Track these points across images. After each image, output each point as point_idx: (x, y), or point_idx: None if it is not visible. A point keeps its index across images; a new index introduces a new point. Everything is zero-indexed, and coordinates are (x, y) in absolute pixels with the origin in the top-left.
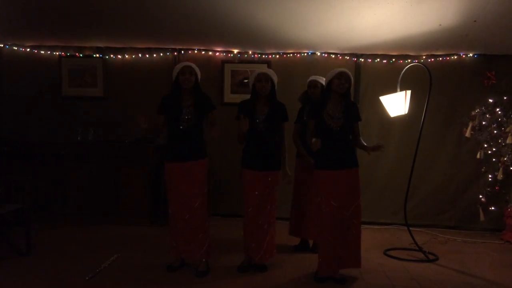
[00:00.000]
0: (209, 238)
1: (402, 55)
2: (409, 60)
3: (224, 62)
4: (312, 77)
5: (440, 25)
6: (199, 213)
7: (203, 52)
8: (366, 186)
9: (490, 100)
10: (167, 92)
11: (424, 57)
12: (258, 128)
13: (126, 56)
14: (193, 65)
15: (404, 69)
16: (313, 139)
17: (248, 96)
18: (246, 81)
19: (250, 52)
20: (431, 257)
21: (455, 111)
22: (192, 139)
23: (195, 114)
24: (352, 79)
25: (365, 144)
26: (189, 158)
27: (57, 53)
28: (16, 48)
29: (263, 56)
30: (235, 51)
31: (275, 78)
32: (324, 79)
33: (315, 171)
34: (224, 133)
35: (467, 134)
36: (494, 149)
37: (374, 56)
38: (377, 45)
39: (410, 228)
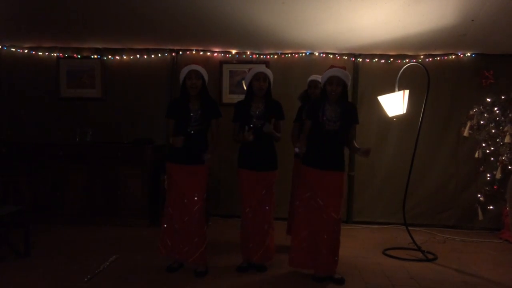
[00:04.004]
0: (206, 243)
1: (400, 55)
2: (407, 60)
3: (222, 62)
4: (313, 77)
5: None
6: (197, 217)
7: (201, 53)
8: (365, 186)
9: (488, 100)
10: (174, 96)
11: (422, 56)
12: (254, 125)
13: (124, 57)
14: (200, 69)
15: (402, 69)
16: (299, 145)
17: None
18: (243, 81)
19: (248, 53)
20: (430, 256)
21: (453, 110)
22: (198, 143)
23: (202, 119)
24: (348, 77)
25: (358, 147)
26: (193, 162)
27: (55, 54)
28: (14, 50)
29: (261, 56)
30: (233, 51)
31: (271, 77)
32: None
33: (302, 165)
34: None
35: (465, 133)
36: (492, 148)
37: (372, 56)
38: (375, 45)
39: (409, 228)
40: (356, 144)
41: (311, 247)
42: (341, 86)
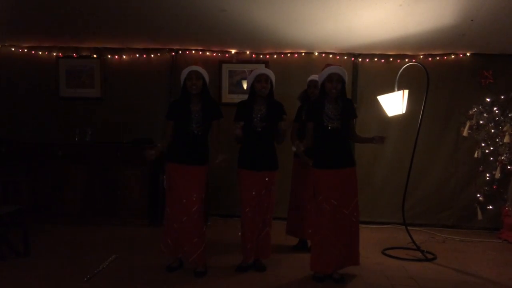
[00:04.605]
0: (205, 243)
1: (400, 54)
2: (407, 60)
3: (222, 62)
4: (312, 77)
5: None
6: (195, 218)
7: (200, 53)
8: (364, 185)
9: (487, 99)
10: (174, 97)
11: (421, 56)
12: (256, 127)
13: (124, 57)
14: (200, 69)
15: (402, 69)
16: (296, 143)
17: (245, 96)
18: (243, 81)
19: (248, 52)
20: (429, 256)
21: (452, 110)
22: (199, 145)
23: (203, 120)
24: (345, 74)
25: (370, 136)
26: (193, 163)
27: (55, 54)
28: (13, 49)
29: (261, 56)
30: (233, 51)
31: (273, 78)
32: None
33: (313, 169)
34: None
35: (465, 133)
36: (491, 148)
37: (371, 56)
38: (374, 44)
39: (408, 228)
40: (362, 135)
41: (332, 248)
42: (340, 83)
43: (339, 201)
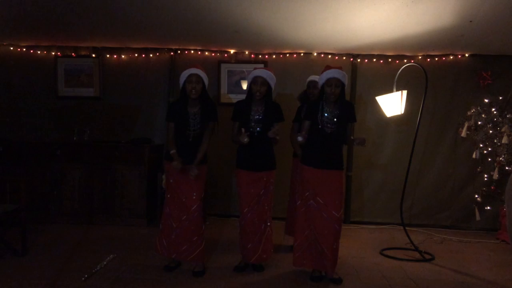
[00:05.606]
0: (204, 242)
1: (398, 55)
2: (405, 60)
3: (221, 62)
4: (312, 77)
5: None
6: (196, 216)
7: (199, 52)
8: (362, 186)
9: (486, 100)
10: (173, 99)
11: (420, 57)
12: (253, 128)
13: (122, 56)
14: (201, 72)
15: (400, 69)
16: (299, 138)
17: (244, 96)
18: (242, 81)
19: (247, 52)
20: (427, 256)
21: (451, 111)
22: (197, 145)
23: (202, 122)
24: (345, 77)
25: (352, 138)
26: (192, 163)
27: (53, 53)
28: (12, 48)
29: (260, 56)
30: (232, 51)
31: (272, 82)
32: None
33: (301, 165)
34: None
35: (463, 134)
36: (489, 149)
37: (370, 56)
38: (373, 45)
39: (406, 228)
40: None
41: (313, 246)
42: (339, 87)
43: (325, 200)
